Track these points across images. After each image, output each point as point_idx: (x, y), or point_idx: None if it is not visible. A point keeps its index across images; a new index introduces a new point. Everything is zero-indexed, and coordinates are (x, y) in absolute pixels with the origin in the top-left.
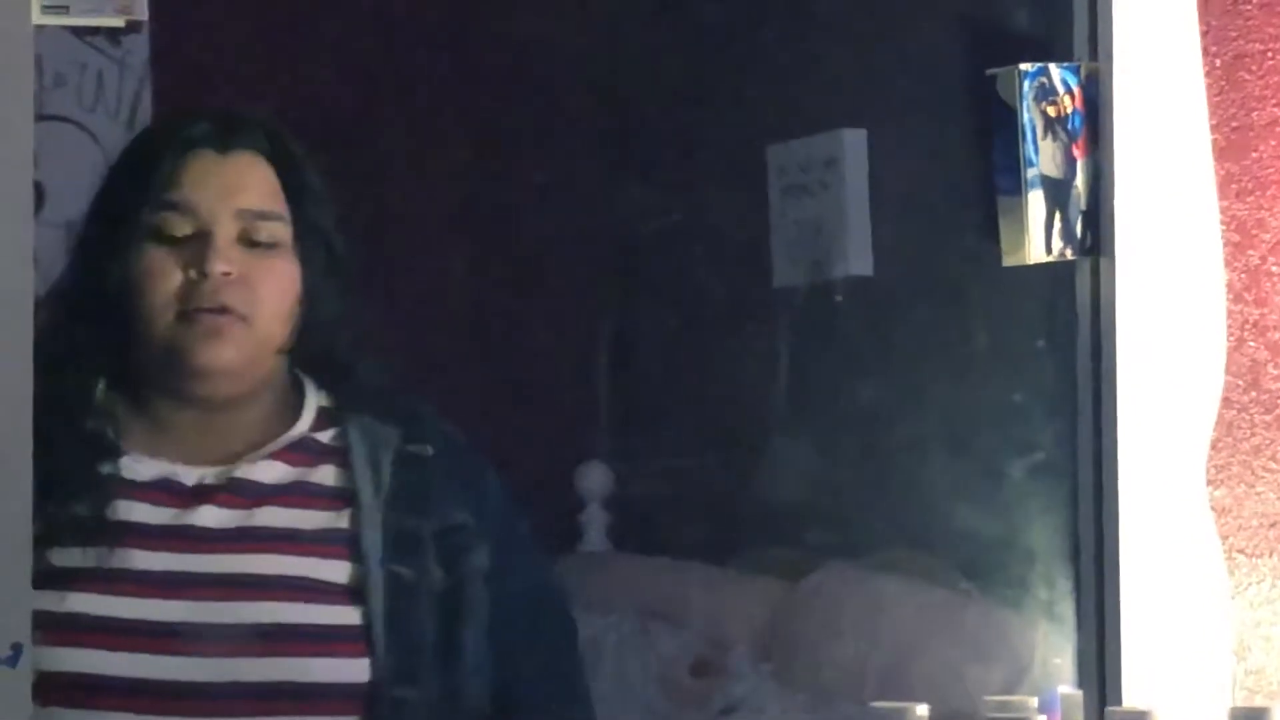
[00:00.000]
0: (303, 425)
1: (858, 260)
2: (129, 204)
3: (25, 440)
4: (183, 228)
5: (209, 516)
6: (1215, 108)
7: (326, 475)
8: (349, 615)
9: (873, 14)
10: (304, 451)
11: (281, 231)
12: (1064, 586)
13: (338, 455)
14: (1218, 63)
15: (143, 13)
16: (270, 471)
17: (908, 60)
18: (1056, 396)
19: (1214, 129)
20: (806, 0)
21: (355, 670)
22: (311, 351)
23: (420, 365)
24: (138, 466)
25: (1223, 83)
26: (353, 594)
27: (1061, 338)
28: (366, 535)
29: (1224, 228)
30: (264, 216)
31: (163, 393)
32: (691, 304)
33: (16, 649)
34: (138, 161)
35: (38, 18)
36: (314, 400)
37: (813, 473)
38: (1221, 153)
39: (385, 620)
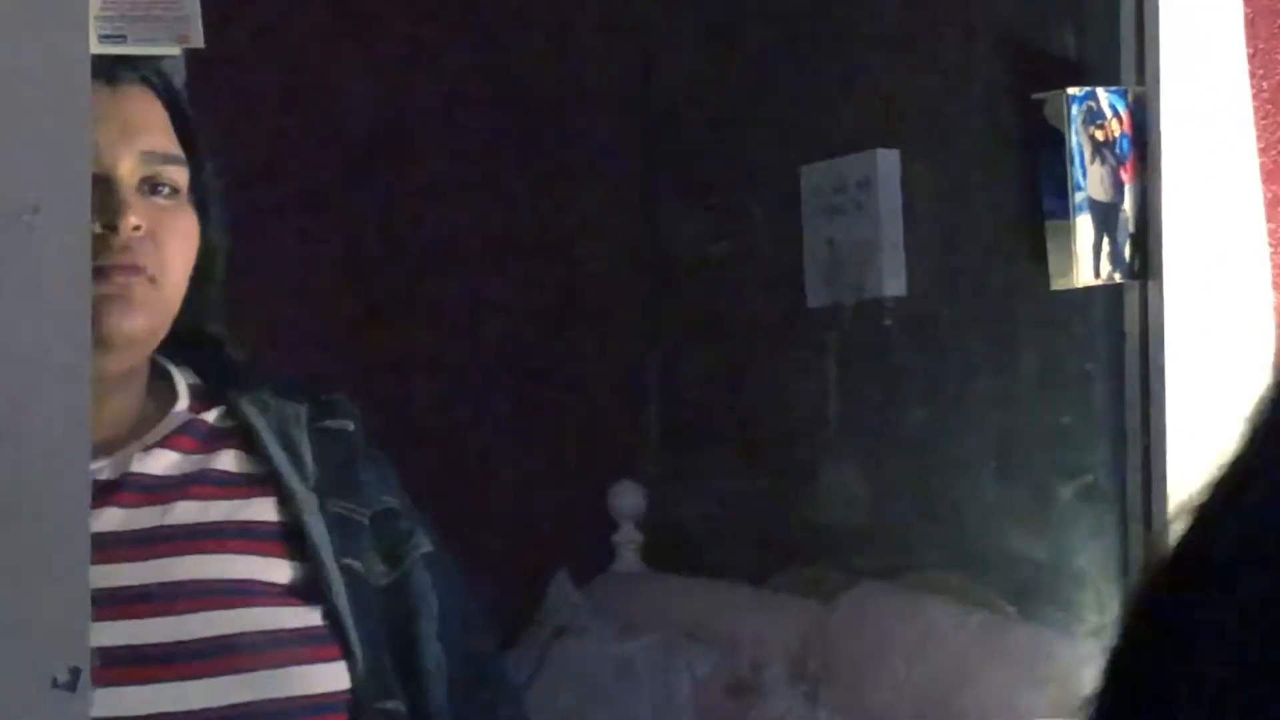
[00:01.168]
0: (181, 405)
1: (891, 280)
2: None
3: (83, 450)
4: None
5: (112, 519)
6: (1262, 130)
7: (228, 461)
8: (310, 616)
9: (918, 37)
10: (192, 436)
11: (182, 178)
12: (1113, 609)
13: (233, 438)
14: (1264, 85)
15: (199, 40)
16: (164, 461)
17: (954, 83)
18: (1105, 419)
19: (1261, 152)
20: (849, 23)
21: (335, 676)
22: (187, 320)
23: (461, 386)
24: None
25: (1269, 105)
26: (303, 593)
27: (1110, 360)
28: (311, 526)
29: (1271, 250)
30: (167, 160)
31: None
32: (730, 325)
33: (75, 673)
34: None
35: (95, 47)
36: (182, 377)
37: (858, 495)
38: (1269, 175)
39: (353, 617)
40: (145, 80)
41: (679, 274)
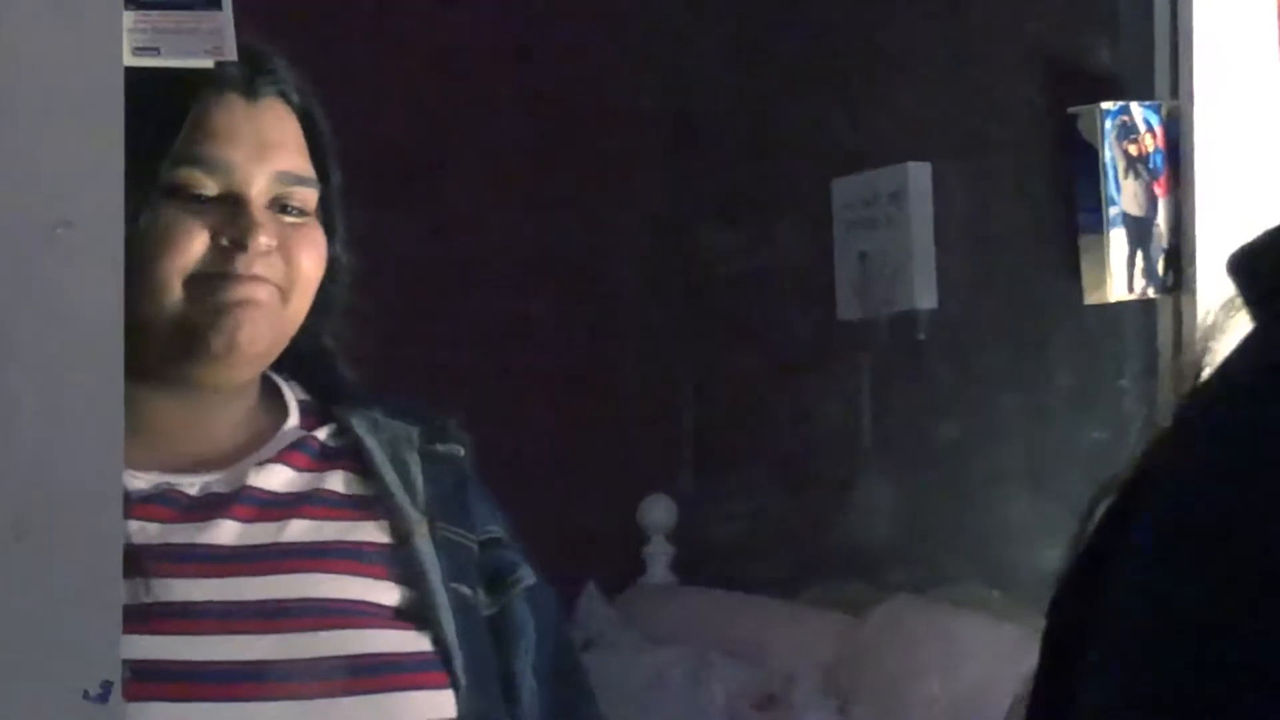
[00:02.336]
0: (292, 421)
1: (922, 294)
2: (140, 152)
3: (117, 460)
4: (210, 187)
5: (228, 533)
6: None
7: (340, 480)
8: (419, 641)
9: (952, 50)
10: (305, 453)
11: (313, 199)
12: None
13: (345, 457)
14: None
15: (232, 53)
16: (279, 477)
17: (987, 97)
18: (1139, 434)
19: None
20: (881, 37)
21: (442, 704)
22: (305, 336)
23: (494, 400)
24: (132, 481)
25: None
26: (412, 617)
27: (1143, 375)
28: (421, 549)
29: None
30: (300, 181)
31: (149, 382)
32: (763, 339)
33: (107, 687)
34: (151, 102)
35: (129, 60)
36: (291, 392)
37: (890, 509)
38: None
39: (460, 645)
40: (283, 95)
41: (712, 289)
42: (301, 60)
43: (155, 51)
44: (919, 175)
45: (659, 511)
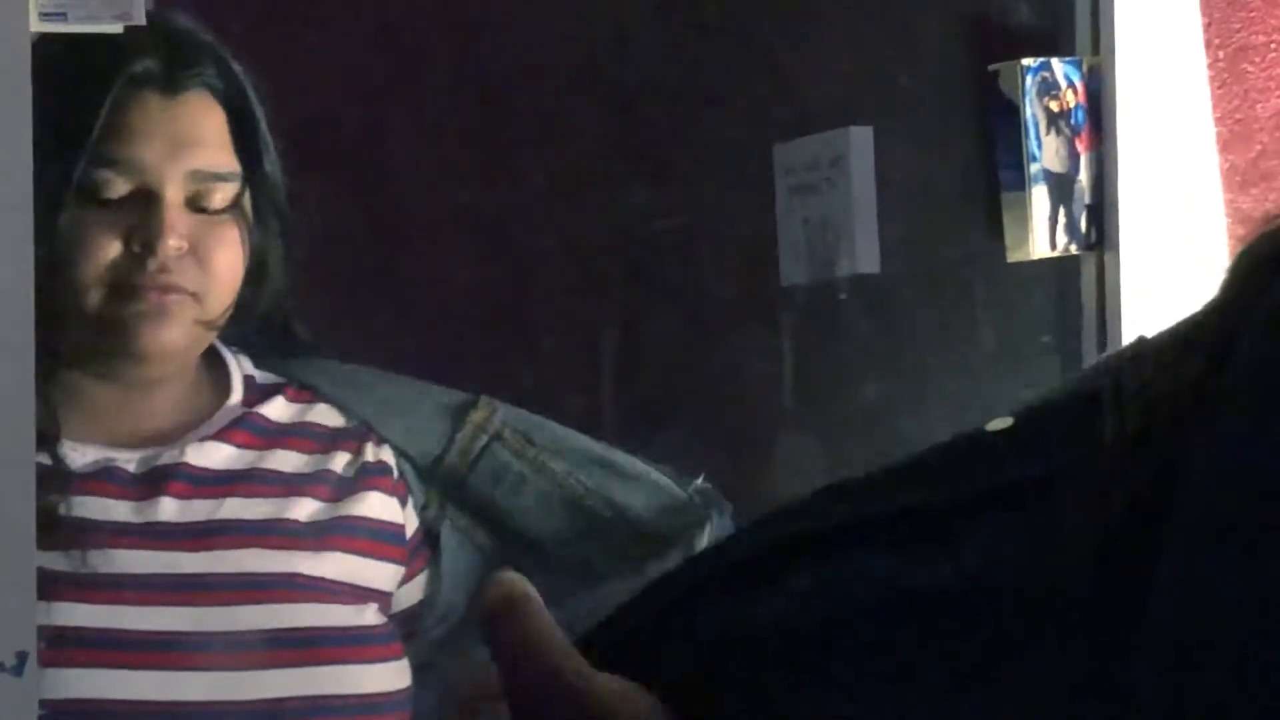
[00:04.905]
0: (234, 399)
1: (865, 258)
2: (54, 156)
3: (28, 435)
4: (121, 188)
5: (166, 509)
6: (1218, 100)
7: (282, 460)
8: (359, 615)
9: (873, 10)
10: (248, 430)
11: (234, 193)
12: None
13: (292, 436)
14: (1220, 55)
15: (140, 17)
16: (217, 454)
17: (909, 56)
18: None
19: (1217, 121)
20: None
21: (395, 675)
22: (250, 322)
23: (423, 367)
24: (73, 454)
25: (1225, 75)
26: (360, 591)
27: (1067, 332)
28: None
29: (1228, 220)
30: (218, 177)
31: (85, 370)
32: (698, 304)
33: (21, 657)
34: (66, 99)
35: (35, 25)
36: (237, 369)
37: (819, 471)
38: (1225, 145)
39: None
40: (208, 86)
41: (650, 253)
42: (231, 25)
43: (62, 16)
44: (860, 140)
45: None
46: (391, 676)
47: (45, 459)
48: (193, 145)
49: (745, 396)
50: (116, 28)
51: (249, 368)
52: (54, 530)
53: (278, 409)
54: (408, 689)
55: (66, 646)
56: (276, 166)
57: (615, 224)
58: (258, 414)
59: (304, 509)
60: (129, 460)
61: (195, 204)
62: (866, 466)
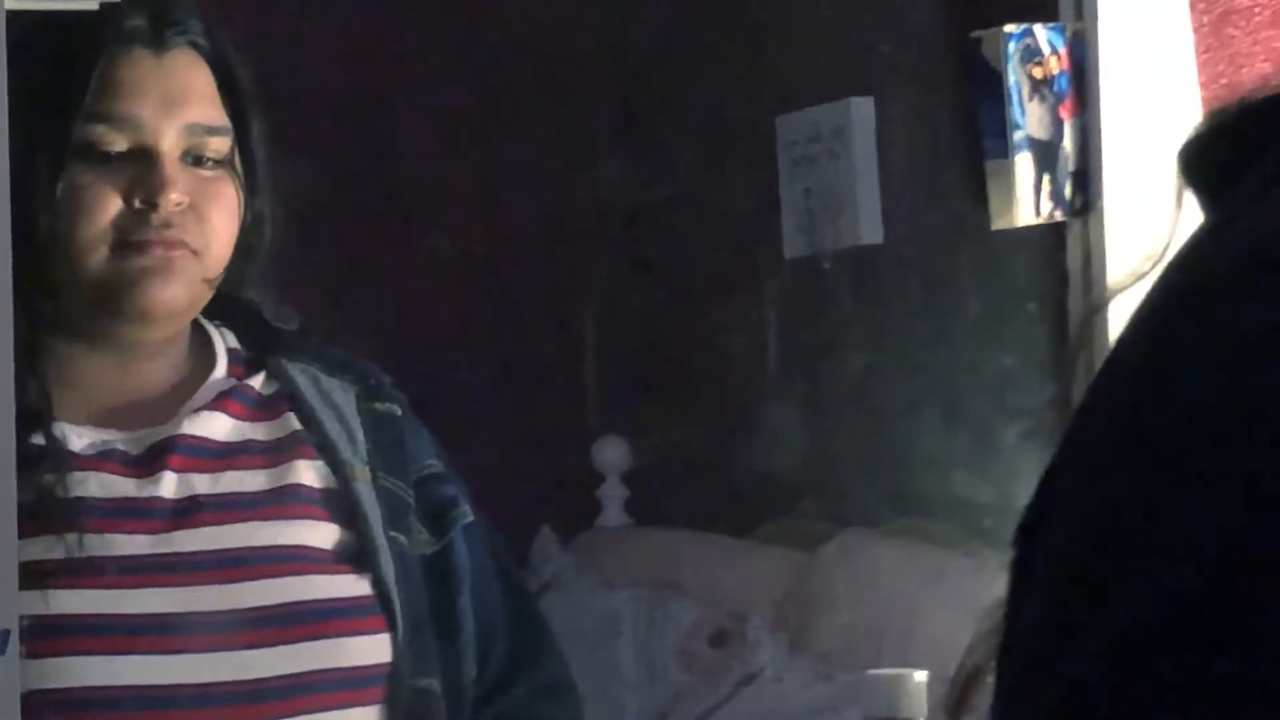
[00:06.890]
0: (220, 371)
1: (868, 229)
2: (49, 114)
3: (7, 417)
4: (119, 143)
5: (167, 485)
6: (1204, 65)
7: (277, 428)
8: (359, 586)
9: None
10: (238, 401)
11: (226, 148)
12: None
13: (279, 406)
14: (1205, 19)
15: None
16: (213, 425)
17: (893, 26)
18: (1049, 358)
19: (1203, 86)
20: None
21: (377, 649)
22: (230, 287)
23: (421, 344)
24: (71, 434)
25: (1211, 39)
26: (351, 561)
27: (1052, 299)
28: (362, 493)
29: None
30: (212, 131)
31: (78, 339)
32: (696, 276)
33: (4, 635)
34: (56, 62)
35: (10, 2)
36: (222, 340)
37: (807, 442)
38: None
39: (398, 589)
40: (193, 44)
41: (650, 225)
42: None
43: None
44: (862, 110)
45: (612, 452)
46: (387, 647)
47: (40, 440)
48: (186, 99)
49: (730, 367)
50: (92, 4)
51: (232, 340)
52: (51, 512)
53: (264, 381)
54: (389, 664)
55: (57, 636)
56: (262, 126)
57: (598, 197)
58: (247, 385)
59: (304, 477)
60: (127, 439)
61: (191, 158)
62: (851, 435)
